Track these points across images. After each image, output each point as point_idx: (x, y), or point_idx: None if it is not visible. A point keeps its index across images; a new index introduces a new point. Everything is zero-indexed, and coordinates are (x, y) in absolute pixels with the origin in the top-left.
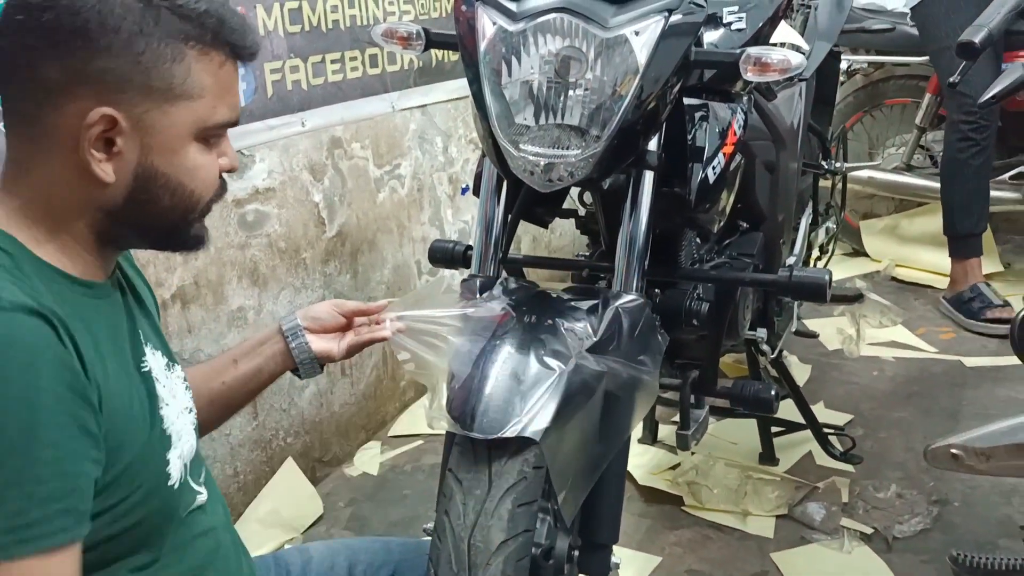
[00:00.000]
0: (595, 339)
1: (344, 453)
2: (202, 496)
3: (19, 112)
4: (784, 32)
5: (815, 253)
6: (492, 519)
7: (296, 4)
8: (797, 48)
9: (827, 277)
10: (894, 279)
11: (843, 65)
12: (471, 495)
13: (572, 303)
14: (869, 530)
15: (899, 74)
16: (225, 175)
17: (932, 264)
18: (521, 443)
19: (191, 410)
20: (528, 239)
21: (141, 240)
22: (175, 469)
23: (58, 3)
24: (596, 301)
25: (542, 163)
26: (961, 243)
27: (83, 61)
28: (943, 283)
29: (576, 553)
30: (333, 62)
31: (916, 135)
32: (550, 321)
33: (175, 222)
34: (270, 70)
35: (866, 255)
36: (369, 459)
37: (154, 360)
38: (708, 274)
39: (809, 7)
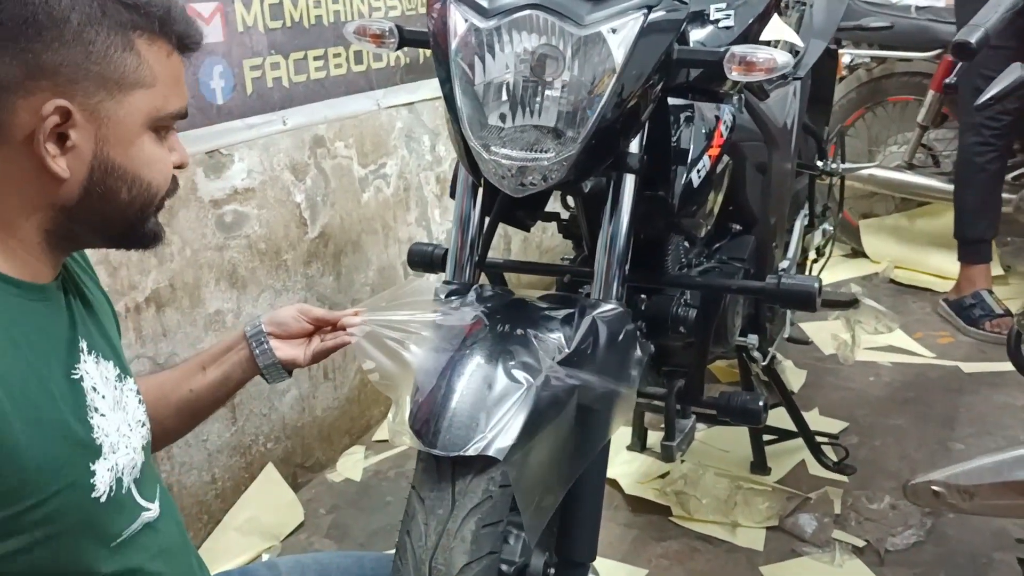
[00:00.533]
0: (568, 351)
1: (327, 458)
2: (150, 512)
3: None
4: (778, 29)
5: (812, 255)
6: (455, 541)
7: (277, 0)
8: (791, 46)
9: (816, 285)
10: (892, 281)
11: (845, 59)
12: (433, 515)
13: (547, 312)
14: (861, 543)
15: (902, 71)
16: (176, 172)
17: (932, 266)
18: (487, 460)
19: (143, 423)
20: (519, 239)
21: (96, 238)
22: (102, 481)
23: None
24: (572, 310)
25: (514, 167)
26: (971, 248)
27: (35, 54)
28: (943, 286)
29: (552, 571)
30: (316, 59)
31: (918, 133)
32: (522, 331)
33: (133, 217)
34: (250, 67)
35: (865, 256)
36: (352, 464)
37: (95, 369)
38: (694, 281)
39: (804, 4)
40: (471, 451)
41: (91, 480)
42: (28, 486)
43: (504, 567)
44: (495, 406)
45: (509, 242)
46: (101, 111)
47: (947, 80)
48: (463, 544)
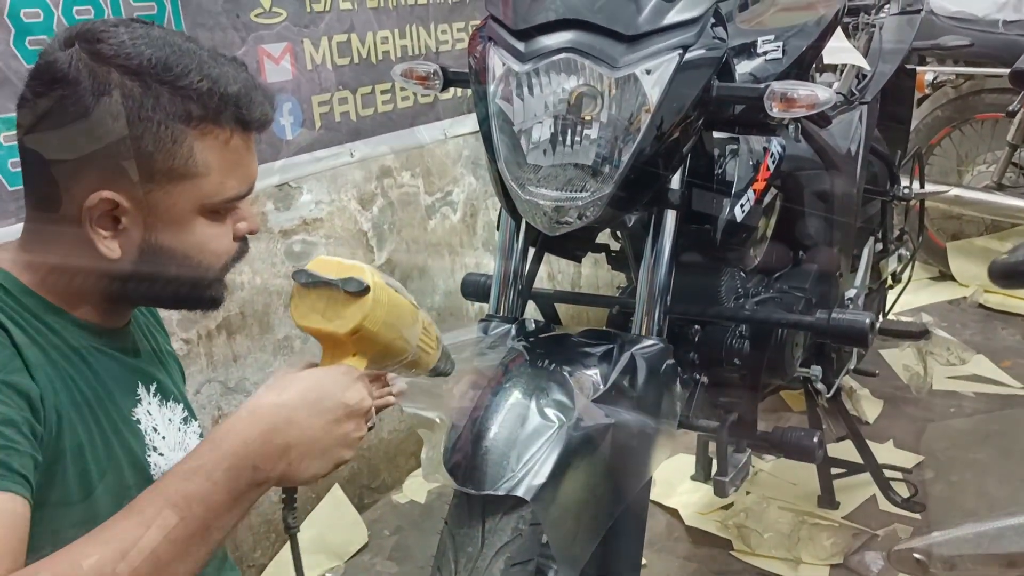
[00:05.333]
0: (603, 388)
1: (393, 479)
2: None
3: (35, 192)
4: (845, 53)
5: (889, 282)
6: None
7: (344, 37)
8: (859, 70)
9: (868, 321)
10: (981, 306)
11: (928, 77)
12: (463, 552)
13: (586, 348)
14: None
15: (991, 87)
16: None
17: None
18: (517, 499)
19: None
20: (589, 262)
21: (153, 302)
22: None
23: (59, 93)
24: (611, 346)
25: (550, 206)
26: None
27: (83, 148)
28: None
29: None
30: (383, 92)
31: (1008, 152)
32: (559, 368)
33: (185, 290)
34: (318, 103)
35: (953, 279)
36: (418, 486)
37: (157, 411)
38: (739, 314)
39: (873, 26)
40: (502, 490)
41: None
42: (93, 510)
43: None
44: (526, 445)
45: (582, 266)
46: (149, 200)
47: (1010, 108)
48: None
